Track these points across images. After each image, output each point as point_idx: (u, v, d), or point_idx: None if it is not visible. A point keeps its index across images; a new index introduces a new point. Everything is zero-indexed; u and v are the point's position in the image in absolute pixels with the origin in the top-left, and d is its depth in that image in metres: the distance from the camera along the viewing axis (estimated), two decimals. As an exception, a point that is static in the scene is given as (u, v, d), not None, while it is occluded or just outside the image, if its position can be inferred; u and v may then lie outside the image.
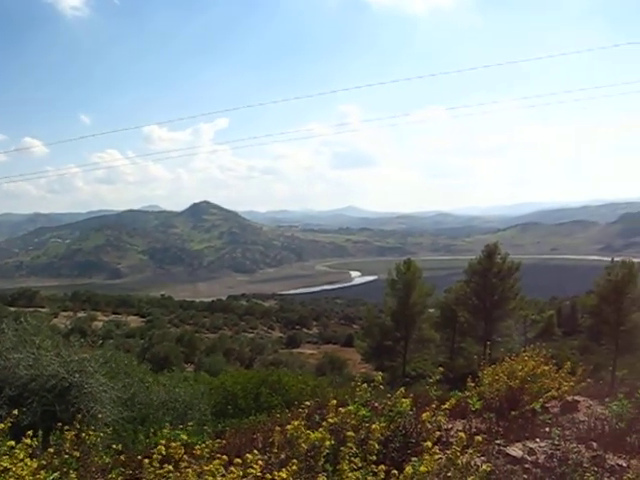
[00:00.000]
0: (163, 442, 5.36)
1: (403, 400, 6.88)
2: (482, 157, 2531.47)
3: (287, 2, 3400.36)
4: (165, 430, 7.21)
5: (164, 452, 5.22)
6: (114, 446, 7.26)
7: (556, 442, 7.50)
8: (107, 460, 6.88)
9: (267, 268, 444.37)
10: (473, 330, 51.58)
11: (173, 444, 5.33)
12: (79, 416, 7.80)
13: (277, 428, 6.22)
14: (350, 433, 5.61)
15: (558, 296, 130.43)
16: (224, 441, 8.44)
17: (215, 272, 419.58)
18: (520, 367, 9.72)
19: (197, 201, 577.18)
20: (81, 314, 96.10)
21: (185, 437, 5.99)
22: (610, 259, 50.05)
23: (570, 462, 6.65)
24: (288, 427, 5.90)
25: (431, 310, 54.17)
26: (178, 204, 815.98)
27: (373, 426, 5.90)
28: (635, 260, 49.19)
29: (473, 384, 9.78)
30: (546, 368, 10.00)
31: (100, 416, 10.27)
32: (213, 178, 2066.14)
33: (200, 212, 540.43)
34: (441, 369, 8.18)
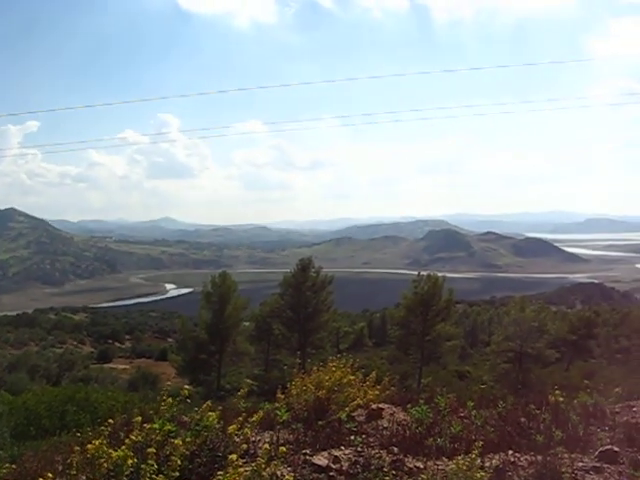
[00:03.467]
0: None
1: (210, 414, 6.80)
2: (300, 172, 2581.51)
3: (108, 6, 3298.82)
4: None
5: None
6: None
7: (359, 449, 7.72)
8: None
9: (78, 280, 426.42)
10: (287, 342, 52.32)
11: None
12: None
13: (77, 448, 5.96)
14: (151, 450, 5.48)
15: (369, 308, 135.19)
16: (19, 466, 7.97)
17: (21, 284, 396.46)
18: (327, 377, 9.94)
19: (2, 208, 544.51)
20: None
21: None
22: (417, 273, 52.38)
23: (372, 467, 6.86)
24: (89, 447, 5.68)
25: (246, 323, 54.28)
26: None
27: (175, 441, 5.80)
28: (439, 274, 51.91)
29: (283, 395, 9.87)
30: (352, 378, 10.29)
31: None
32: (21, 184, 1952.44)
33: (5, 219, 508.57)
34: (249, 381, 8.21)
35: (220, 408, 7.41)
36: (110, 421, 6.86)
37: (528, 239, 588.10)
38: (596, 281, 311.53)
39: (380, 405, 10.46)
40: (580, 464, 7.43)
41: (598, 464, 7.44)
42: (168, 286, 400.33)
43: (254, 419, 6.85)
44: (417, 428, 8.76)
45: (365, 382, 10.84)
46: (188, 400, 7.11)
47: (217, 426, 6.79)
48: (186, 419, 7.27)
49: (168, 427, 6.45)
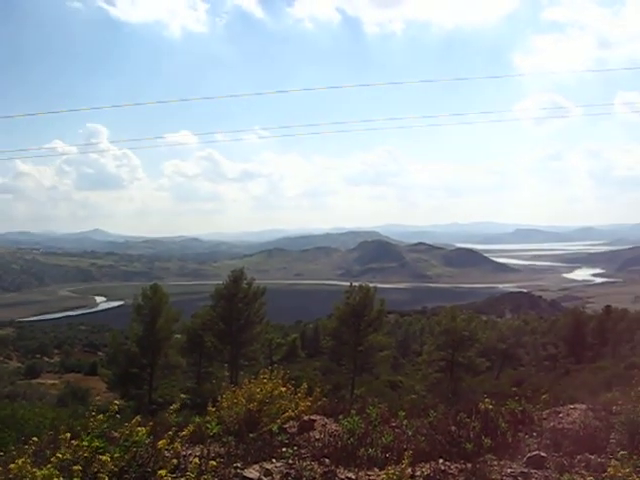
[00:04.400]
0: None
1: (139, 429, 6.68)
2: (231, 183, 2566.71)
3: (33, 13, 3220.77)
4: None
5: None
6: None
7: (291, 461, 7.70)
8: None
9: (4, 293, 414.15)
10: (220, 354, 51.84)
11: None
12: None
13: (-1, 468, 5.79)
14: (77, 467, 5.35)
15: (302, 319, 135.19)
16: None
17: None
18: (259, 389, 9.90)
19: None
20: None
21: None
22: (349, 284, 52.54)
23: (304, 479, 6.85)
24: (11, 466, 5.51)
25: (178, 335, 53.63)
26: None
27: (103, 458, 5.68)
28: (371, 285, 52.20)
29: (214, 408, 9.78)
30: (283, 389, 10.27)
31: None
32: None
33: None
34: (182, 396, 8.12)
35: (150, 423, 7.30)
36: (35, 439, 6.68)
37: (458, 249, 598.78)
38: (525, 290, 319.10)
39: (312, 416, 10.46)
40: (509, 470, 7.59)
41: (526, 470, 7.61)
42: (98, 299, 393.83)
43: (184, 433, 6.77)
44: (349, 439, 8.78)
45: (297, 394, 10.84)
46: (117, 415, 6.97)
47: (147, 441, 6.67)
48: (116, 435, 7.12)
49: (96, 443, 6.31)
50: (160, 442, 6.39)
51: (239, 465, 7.66)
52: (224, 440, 8.75)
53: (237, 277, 51.71)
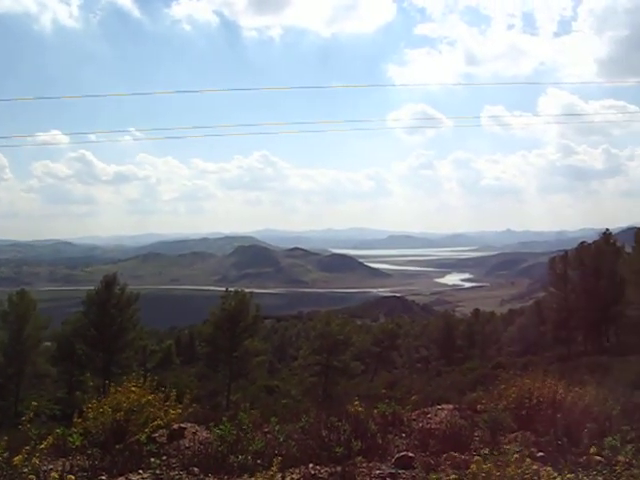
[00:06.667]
0: None
1: (-6, 444, 6.33)
2: (104, 186, 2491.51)
3: None
4: None
5: None
6: None
7: (158, 471, 7.51)
8: None
9: None
10: (92, 363, 50.38)
11: None
12: None
13: None
14: None
15: (177, 325, 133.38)
16: None
17: None
18: (125, 398, 9.61)
19: None
20: None
21: None
22: (225, 289, 52.38)
23: (171, 490, 6.70)
24: None
25: (47, 343, 51.87)
26: None
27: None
28: (247, 290, 52.23)
29: (80, 419, 9.42)
30: (151, 397, 10.01)
31: None
32: None
33: None
34: (34, 403, 7.76)
35: (5, 437, 6.92)
36: None
37: (334, 255, 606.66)
38: (398, 295, 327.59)
39: (182, 424, 10.29)
40: (377, 472, 7.71)
41: (394, 470, 7.75)
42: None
43: (42, 446, 6.45)
44: (219, 446, 8.68)
45: (167, 401, 10.61)
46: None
47: (1, 457, 6.31)
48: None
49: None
50: (16, 457, 6.06)
51: (104, 478, 7.42)
52: (89, 452, 8.44)
53: (109, 282, 50.44)
